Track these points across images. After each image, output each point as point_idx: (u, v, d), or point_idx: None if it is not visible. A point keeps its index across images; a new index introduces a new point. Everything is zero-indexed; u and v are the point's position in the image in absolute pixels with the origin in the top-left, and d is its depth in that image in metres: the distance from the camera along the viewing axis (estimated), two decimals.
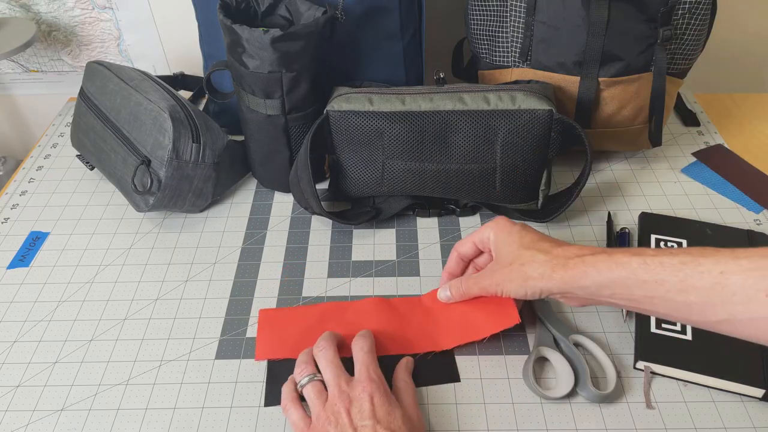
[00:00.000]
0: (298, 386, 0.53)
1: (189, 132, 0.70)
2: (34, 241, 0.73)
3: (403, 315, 0.62)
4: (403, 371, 0.56)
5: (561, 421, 0.54)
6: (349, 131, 0.69)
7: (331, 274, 0.68)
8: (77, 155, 0.84)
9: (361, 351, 0.54)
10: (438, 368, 0.58)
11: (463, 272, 0.63)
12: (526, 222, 0.72)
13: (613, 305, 0.50)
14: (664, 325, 0.59)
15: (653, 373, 0.57)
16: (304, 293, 0.66)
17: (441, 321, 0.61)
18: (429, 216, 0.74)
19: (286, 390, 0.54)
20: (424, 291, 0.65)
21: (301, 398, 0.53)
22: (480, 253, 0.60)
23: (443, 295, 0.61)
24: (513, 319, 0.58)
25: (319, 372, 0.53)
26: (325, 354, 0.54)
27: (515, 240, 0.54)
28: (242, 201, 0.78)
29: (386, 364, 0.56)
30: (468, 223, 0.73)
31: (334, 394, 0.50)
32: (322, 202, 0.70)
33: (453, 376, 0.57)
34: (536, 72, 0.73)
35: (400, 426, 0.48)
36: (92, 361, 0.60)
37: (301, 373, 0.53)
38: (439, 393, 0.56)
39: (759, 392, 0.54)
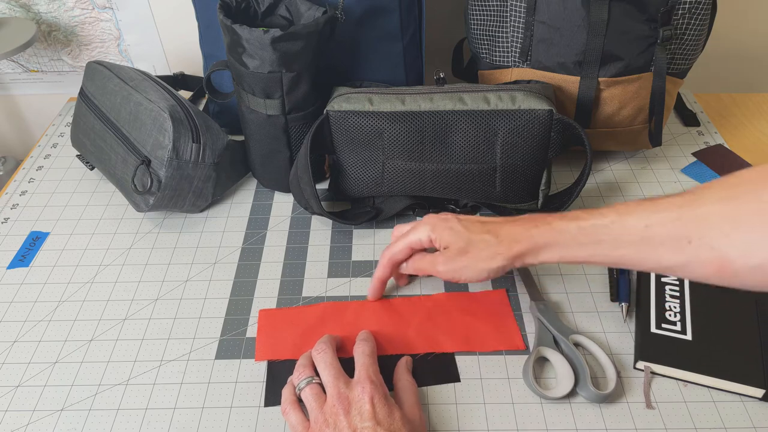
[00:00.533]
0: (297, 389, 0.53)
1: (189, 132, 0.70)
2: (34, 241, 0.73)
3: (403, 315, 0.62)
4: (403, 371, 0.56)
5: (561, 421, 0.54)
6: (349, 131, 0.69)
7: (331, 274, 0.68)
8: (77, 155, 0.84)
9: (362, 354, 0.54)
10: (438, 368, 0.58)
11: (392, 275, 0.63)
12: None
13: (559, 262, 0.54)
14: (664, 325, 0.59)
15: (653, 373, 0.57)
16: (304, 293, 0.66)
17: (442, 323, 0.61)
18: None
19: (286, 393, 0.54)
20: (424, 291, 0.65)
21: (301, 401, 0.53)
22: (411, 255, 0.60)
23: (403, 265, 0.61)
24: (518, 344, 0.59)
25: (318, 375, 0.53)
26: (323, 357, 0.54)
27: (462, 231, 0.56)
28: (242, 201, 0.78)
29: (386, 363, 0.57)
30: None
31: (332, 396, 0.50)
32: (322, 202, 0.70)
33: (453, 376, 0.57)
34: (536, 72, 0.73)
35: (400, 427, 0.48)
36: (92, 361, 0.60)
37: (299, 377, 0.53)
38: (439, 393, 0.56)
39: (759, 392, 0.54)
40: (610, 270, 0.65)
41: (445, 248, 0.57)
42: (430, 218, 0.59)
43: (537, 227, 0.53)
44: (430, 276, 0.64)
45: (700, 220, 0.44)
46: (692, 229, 0.45)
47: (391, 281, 0.65)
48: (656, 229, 0.46)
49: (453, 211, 0.74)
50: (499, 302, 0.63)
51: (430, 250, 0.59)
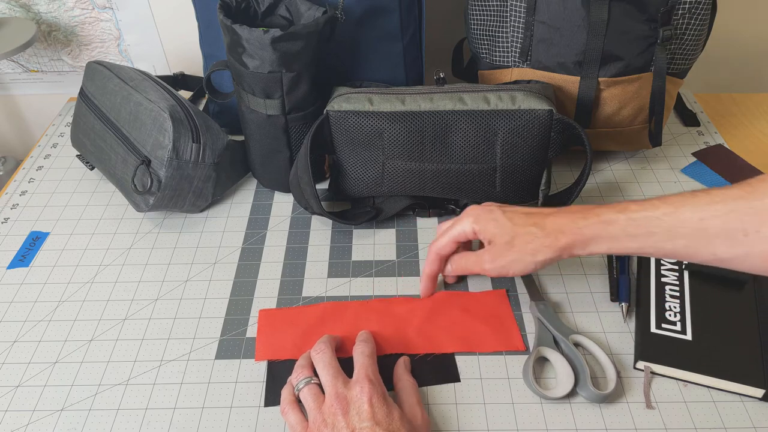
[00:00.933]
0: (295, 390, 0.53)
1: (189, 132, 0.70)
2: (34, 241, 0.73)
3: (403, 315, 0.62)
4: (402, 371, 0.56)
5: (561, 421, 0.54)
6: (349, 131, 0.69)
7: (331, 274, 0.68)
8: (77, 155, 0.84)
9: (362, 354, 0.54)
10: (438, 368, 0.58)
11: (440, 272, 0.63)
12: None
13: (609, 253, 0.55)
14: (664, 325, 0.59)
15: (653, 373, 0.57)
16: (304, 293, 0.66)
17: (442, 324, 0.61)
18: (429, 216, 0.74)
19: (285, 393, 0.54)
20: None
21: (300, 402, 0.53)
22: (458, 249, 0.61)
23: (447, 267, 0.61)
24: (518, 345, 0.59)
25: (317, 375, 0.53)
26: (322, 357, 0.54)
27: (507, 223, 0.56)
28: (242, 201, 0.78)
29: (386, 363, 0.57)
30: None
31: (330, 396, 0.50)
32: (322, 202, 0.70)
33: (453, 376, 0.57)
34: (536, 72, 0.73)
35: (399, 427, 0.48)
36: (92, 361, 0.60)
37: (298, 377, 0.53)
38: (439, 393, 0.56)
39: (759, 392, 0.54)
40: (610, 270, 0.66)
41: (489, 242, 0.57)
42: (474, 209, 0.58)
43: (585, 219, 0.53)
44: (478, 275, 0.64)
45: (757, 212, 0.45)
46: (748, 222, 0.45)
47: (388, 289, 0.65)
48: (711, 221, 0.46)
49: (453, 211, 0.74)
50: (499, 302, 0.63)
51: (475, 244, 0.59)
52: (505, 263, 0.55)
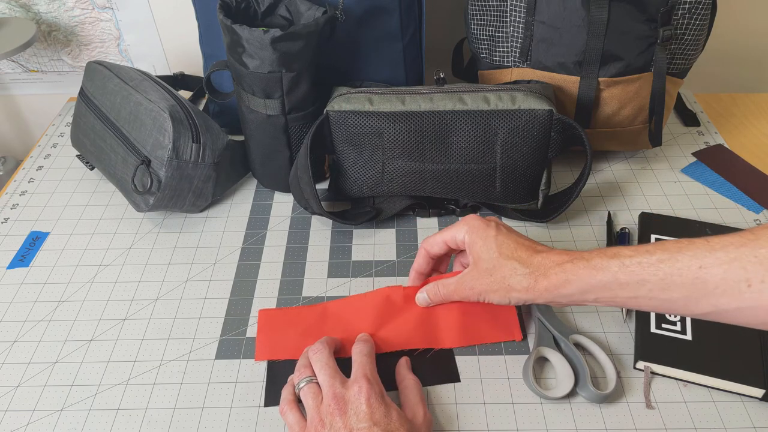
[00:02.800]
0: (296, 389, 0.53)
1: (189, 132, 0.70)
2: (34, 241, 0.73)
3: (403, 312, 0.62)
4: (405, 371, 0.56)
5: (561, 421, 0.54)
6: (349, 131, 0.69)
7: (331, 274, 0.68)
8: (77, 155, 0.84)
9: (360, 354, 0.54)
10: (438, 368, 0.58)
11: (431, 270, 0.62)
12: (526, 222, 0.73)
13: (598, 304, 0.50)
14: (664, 325, 0.59)
15: (653, 373, 0.57)
16: (304, 293, 0.66)
17: (441, 319, 0.61)
18: (429, 216, 0.74)
19: (285, 392, 0.54)
20: None
21: (300, 401, 0.53)
22: (449, 251, 0.59)
23: (421, 297, 0.60)
24: (515, 335, 0.59)
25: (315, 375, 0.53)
26: (319, 357, 0.54)
27: (493, 248, 0.53)
28: (242, 201, 0.78)
29: (386, 362, 0.57)
30: None
31: (328, 396, 0.50)
32: (322, 202, 0.70)
33: (453, 376, 0.57)
34: (536, 72, 0.73)
35: (398, 427, 0.48)
36: (92, 361, 0.60)
37: (299, 376, 0.53)
38: (439, 393, 0.56)
39: (759, 392, 0.54)
40: None
41: (474, 260, 0.55)
42: (473, 219, 0.57)
43: (572, 261, 0.49)
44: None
45: (761, 261, 0.41)
46: (752, 272, 0.41)
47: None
48: (712, 270, 0.42)
49: (453, 211, 0.74)
50: None
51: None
52: (482, 290, 0.54)
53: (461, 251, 0.60)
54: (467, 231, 0.56)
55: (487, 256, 0.54)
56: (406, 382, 0.55)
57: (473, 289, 0.55)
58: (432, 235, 0.60)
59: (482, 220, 0.56)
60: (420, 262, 0.61)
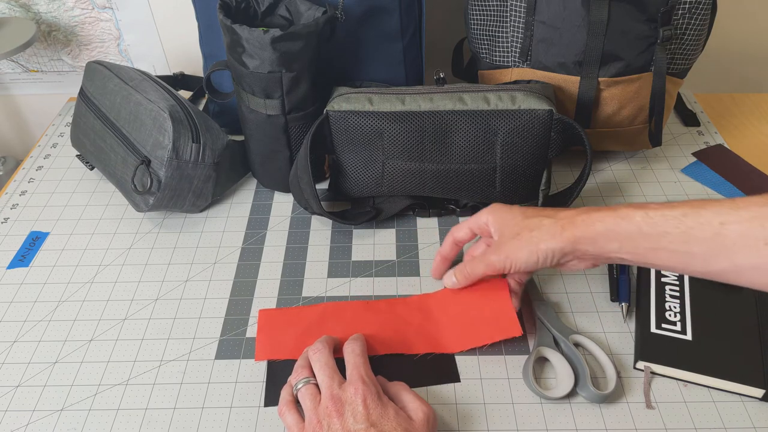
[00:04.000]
0: (294, 390, 0.53)
1: (189, 132, 0.70)
2: (34, 241, 0.73)
3: (402, 315, 0.62)
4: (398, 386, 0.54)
5: (561, 421, 0.54)
6: (349, 131, 0.69)
7: (331, 274, 0.68)
8: (77, 155, 0.84)
9: (352, 354, 0.54)
10: (438, 368, 0.58)
11: (454, 255, 0.64)
12: None
13: (621, 261, 0.51)
14: (664, 325, 0.59)
15: (653, 373, 0.57)
16: (304, 293, 0.66)
17: (441, 323, 0.61)
18: (429, 216, 0.74)
19: (283, 393, 0.54)
20: (424, 291, 0.65)
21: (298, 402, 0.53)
22: (472, 236, 0.61)
23: (449, 281, 0.61)
24: (515, 330, 0.57)
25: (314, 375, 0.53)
26: (319, 357, 0.54)
27: (516, 215, 0.55)
28: (242, 201, 0.78)
29: (386, 362, 0.57)
30: None
31: (326, 397, 0.50)
32: (322, 202, 0.70)
33: (453, 376, 0.57)
34: (536, 72, 0.73)
35: (395, 427, 0.48)
36: (92, 361, 0.60)
37: (297, 377, 0.53)
38: (439, 393, 0.56)
39: (759, 392, 0.54)
40: (610, 269, 0.65)
41: (499, 234, 0.56)
42: (495, 205, 0.59)
43: (599, 211, 0.51)
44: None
45: None
46: None
47: (388, 289, 0.65)
48: (732, 226, 0.44)
49: (453, 211, 0.74)
50: (497, 288, 0.60)
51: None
52: (509, 251, 0.54)
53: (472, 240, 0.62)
54: (490, 211, 0.58)
55: (511, 222, 0.55)
56: (396, 387, 0.53)
57: (499, 253, 0.55)
58: (460, 223, 0.62)
59: (503, 205, 0.58)
60: (446, 248, 0.63)
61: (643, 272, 0.64)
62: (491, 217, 0.57)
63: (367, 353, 0.55)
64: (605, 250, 0.50)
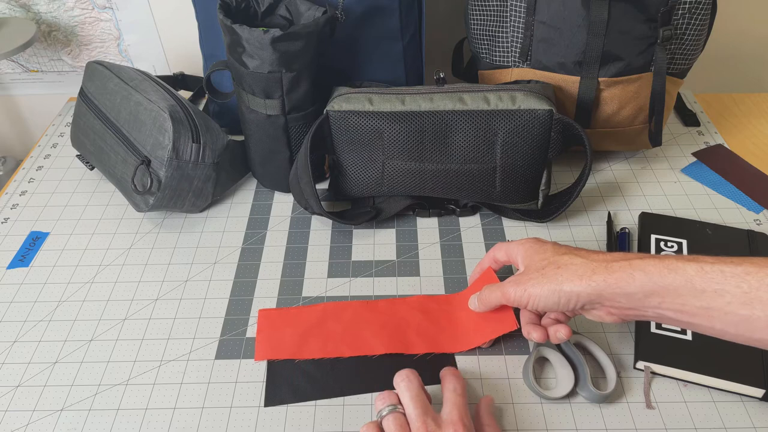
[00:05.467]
0: (377, 415, 0.49)
1: (189, 132, 0.70)
2: (34, 241, 0.73)
3: (402, 315, 0.62)
4: (485, 413, 0.52)
5: (561, 421, 0.54)
6: (349, 131, 0.69)
7: (331, 274, 0.68)
8: (77, 155, 0.84)
9: (453, 393, 0.50)
10: (438, 368, 0.58)
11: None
12: (526, 222, 0.73)
13: (659, 319, 0.45)
14: (664, 325, 0.59)
15: (653, 373, 0.57)
16: (304, 293, 0.66)
17: (441, 323, 0.61)
18: (429, 216, 0.74)
19: (367, 428, 0.49)
20: (424, 291, 0.65)
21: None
22: (507, 261, 0.57)
23: (472, 304, 0.58)
24: (510, 324, 0.57)
25: (401, 404, 0.49)
26: (408, 386, 0.50)
27: (548, 248, 0.50)
28: (242, 201, 0.78)
29: (386, 362, 0.57)
30: (468, 223, 0.73)
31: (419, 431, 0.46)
32: (322, 202, 0.70)
33: None
34: (536, 72, 0.73)
35: None
36: (92, 361, 0.60)
37: (383, 401, 0.50)
38: (439, 393, 0.56)
39: (759, 392, 0.54)
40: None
41: (525, 264, 0.52)
42: (531, 238, 0.54)
43: (642, 259, 0.44)
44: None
45: None
46: None
47: (388, 289, 0.65)
48: None
49: (453, 211, 0.74)
50: (489, 281, 0.59)
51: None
52: (529, 285, 0.49)
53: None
54: (522, 242, 0.54)
55: (540, 256, 0.50)
56: (486, 429, 0.50)
57: (518, 284, 0.50)
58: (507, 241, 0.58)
59: (537, 239, 0.54)
60: (484, 261, 0.59)
61: None
62: (522, 250, 0.52)
63: (466, 393, 0.51)
64: (642, 304, 0.44)
